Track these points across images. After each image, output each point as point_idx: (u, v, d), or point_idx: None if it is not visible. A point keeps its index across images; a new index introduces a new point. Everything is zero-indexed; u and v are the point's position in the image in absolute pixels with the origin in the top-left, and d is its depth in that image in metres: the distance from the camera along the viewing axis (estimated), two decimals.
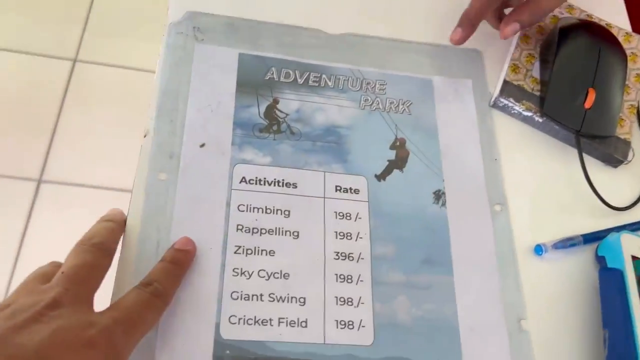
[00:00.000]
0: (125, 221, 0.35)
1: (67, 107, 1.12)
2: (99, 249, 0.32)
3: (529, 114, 0.45)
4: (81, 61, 1.18)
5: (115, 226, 0.34)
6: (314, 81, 0.43)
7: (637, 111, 0.48)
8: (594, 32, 0.47)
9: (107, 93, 1.16)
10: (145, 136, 0.38)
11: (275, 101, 0.42)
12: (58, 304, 0.28)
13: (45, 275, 0.31)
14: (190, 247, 0.34)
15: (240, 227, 0.37)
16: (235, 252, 0.36)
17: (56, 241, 0.99)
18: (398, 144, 0.42)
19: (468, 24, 0.44)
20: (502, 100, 0.45)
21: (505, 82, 0.46)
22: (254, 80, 0.42)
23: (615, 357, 0.35)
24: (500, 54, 0.48)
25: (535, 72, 0.47)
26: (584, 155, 0.44)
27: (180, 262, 0.34)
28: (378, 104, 0.43)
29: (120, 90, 1.17)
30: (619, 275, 0.38)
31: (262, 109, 0.41)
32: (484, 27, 0.48)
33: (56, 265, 0.32)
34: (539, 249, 0.40)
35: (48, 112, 1.10)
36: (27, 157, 1.05)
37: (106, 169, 1.07)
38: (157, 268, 0.33)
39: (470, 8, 0.43)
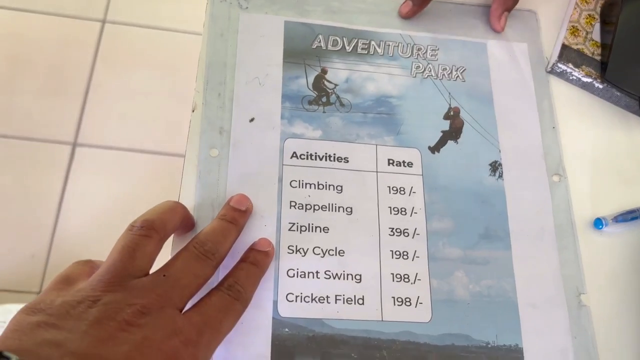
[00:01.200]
0: (243, 224, 0.34)
1: (97, 69, 1.12)
2: (208, 257, 0.31)
3: (589, 80, 0.43)
4: (110, 22, 1.17)
5: (234, 231, 0.33)
6: (362, 48, 0.41)
7: None
8: None
9: (137, 54, 1.14)
10: (193, 111, 0.37)
11: (324, 71, 0.40)
12: (148, 310, 0.27)
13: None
14: (269, 249, 0.34)
15: (293, 203, 0.36)
16: (289, 230, 0.35)
17: (94, 203, 1.01)
18: (452, 113, 0.40)
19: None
20: (560, 65, 0.43)
21: (563, 46, 0.43)
22: (301, 49, 0.40)
23: None
24: (556, 15, 0.45)
25: (596, 35, 0.44)
26: None
27: (260, 263, 0.33)
28: (430, 70, 0.41)
29: (150, 51, 1.15)
30: None
31: (311, 79, 0.40)
32: None
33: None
34: (598, 223, 0.39)
35: (79, 75, 1.10)
36: (60, 121, 1.06)
37: (140, 131, 1.07)
38: (239, 269, 0.32)
39: None
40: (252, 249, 0.34)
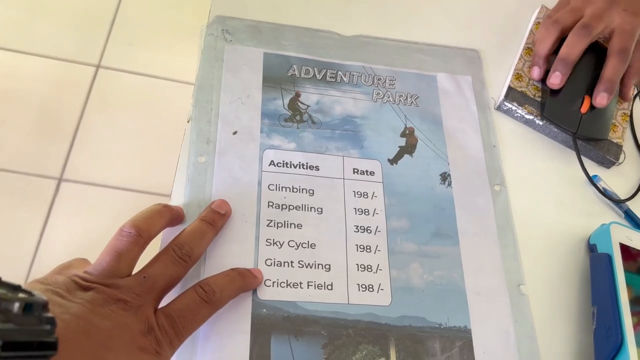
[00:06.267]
0: (221, 226, 0.39)
1: (88, 111, 1.17)
2: (185, 260, 0.35)
3: (531, 117, 0.50)
4: (104, 67, 1.24)
5: (211, 232, 0.38)
6: (330, 77, 0.48)
7: (630, 119, 0.53)
8: (591, 46, 0.52)
9: (127, 99, 1.21)
10: (188, 121, 0.42)
11: (298, 94, 0.46)
12: (129, 307, 0.31)
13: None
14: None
15: (271, 203, 0.41)
16: (267, 225, 0.40)
17: (74, 238, 1.04)
18: (407, 132, 0.47)
19: (544, 62, 0.51)
20: (506, 104, 0.50)
21: (509, 88, 0.50)
22: (278, 76, 0.47)
23: (603, 330, 0.40)
24: (496, 53, 0.53)
25: (537, 81, 0.52)
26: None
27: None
28: (388, 97, 0.48)
29: (139, 96, 1.22)
30: (608, 258, 0.42)
31: (286, 101, 0.46)
32: (482, 28, 0.54)
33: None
34: None
35: (70, 115, 1.16)
36: (48, 157, 1.10)
37: (124, 171, 1.12)
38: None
39: (542, 49, 0.50)
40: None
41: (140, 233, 0.35)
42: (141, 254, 0.35)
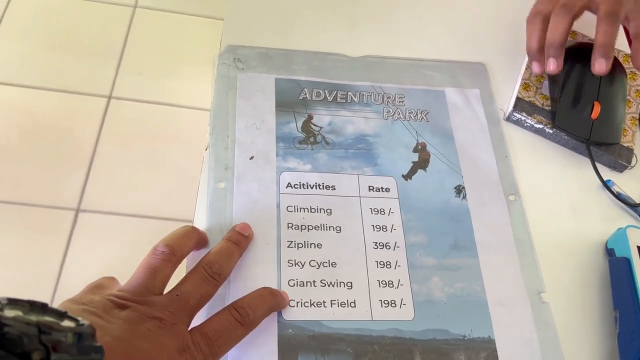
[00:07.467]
0: (245, 247, 0.40)
1: (102, 141, 1.20)
2: (215, 279, 0.36)
3: (540, 126, 0.51)
4: (115, 97, 1.27)
5: (237, 252, 0.39)
6: (341, 98, 0.49)
7: (639, 122, 0.53)
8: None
9: (139, 127, 1.24)
10: (206, 149, 0.44)
11: (310, 117, 0.48)
12: (163, 325, 0.32)
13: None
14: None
15: (290, 225, 0.42)
16: (288, 247, 0.41)
17: (94, 267, 1.05)
18: (420, 147, 0.48)
19: (539, 56, 0.49)
20: (515, 114, 0.51)
21: (517, 98, 0.51)
22: (290, 100, 0.48)
23: (627, 334, 0.40)
24: (502, 65, 0.54)
25: (545, 90, 0.52)
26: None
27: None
28: (399, 114, 0.49)
29: (151, 125, 1.25)
30: (627, 262, 0.42)
31: (299, 124, 0.47)
32: (487, 42, 0.55)
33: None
34: None
35: (85, 146, 1.18)
36: (65, 188, 1.13)
37: (140, 199, 1.14)
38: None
39: (532, 42, 0.50)
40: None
41: (173, 252, 0.36)
42: (173, 272, 0.36)
